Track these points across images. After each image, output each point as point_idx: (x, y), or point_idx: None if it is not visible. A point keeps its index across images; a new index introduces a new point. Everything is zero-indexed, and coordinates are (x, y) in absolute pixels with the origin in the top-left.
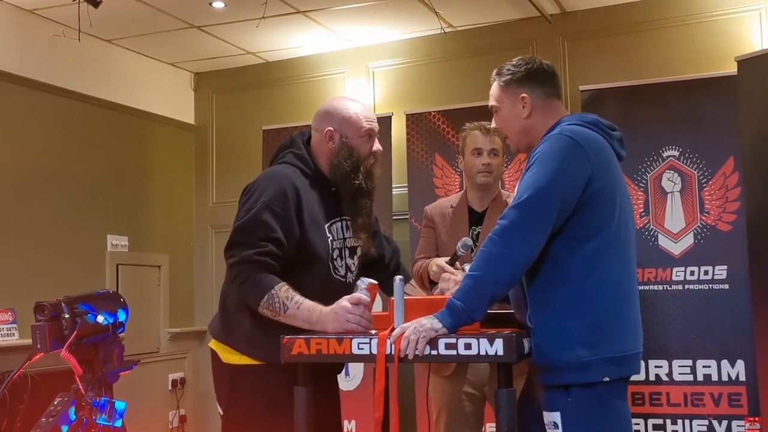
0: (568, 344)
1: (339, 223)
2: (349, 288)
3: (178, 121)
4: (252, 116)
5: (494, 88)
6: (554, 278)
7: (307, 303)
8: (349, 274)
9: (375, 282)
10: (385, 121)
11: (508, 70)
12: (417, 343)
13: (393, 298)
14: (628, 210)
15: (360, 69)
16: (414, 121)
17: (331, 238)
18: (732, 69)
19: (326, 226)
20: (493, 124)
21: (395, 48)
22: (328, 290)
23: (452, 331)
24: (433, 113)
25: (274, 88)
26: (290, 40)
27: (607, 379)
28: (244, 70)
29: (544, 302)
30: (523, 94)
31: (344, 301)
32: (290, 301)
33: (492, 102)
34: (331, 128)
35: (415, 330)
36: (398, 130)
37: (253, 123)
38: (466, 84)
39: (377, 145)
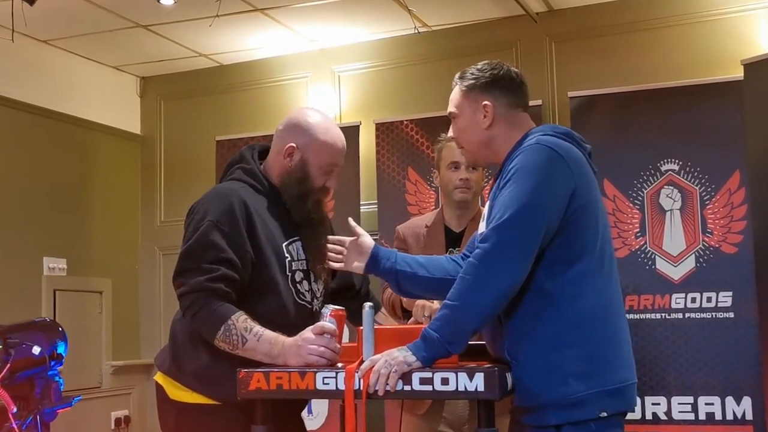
0: (560, 379)
1: (299, 243)
2: (317, 316)
3: (122, 131)
4: (204, 125)
5: (455, 93)
6: (538, 306)
7: (268, 334)
8: (315, 300)
9: (341, 308)
10: (352, 131)
11: (472, 74)
12: (388, 377)
13: (362, 328)
14: (608, 229)
15: (324, 73)
16: (384, 131)
17: (290, 258)
18: (737, 73)
19: (284, 245)
20: (450, 134)
21: (363, 50)
22: (292, 318)
23: (427, 365)
24: (405, 122)
25: (229, 94)
26: (247, 41)
27: (605, 414)
28: (195, 74)
29: (528, 334)
30: (486, 102)
31: (307, 332)
32: (249, 333)
33: (451, 108)
34: (293, 145)
35: (386, 363)
36: (367, 142)
37: (205, 133)
38: (442, 90)
39: (333, 182)
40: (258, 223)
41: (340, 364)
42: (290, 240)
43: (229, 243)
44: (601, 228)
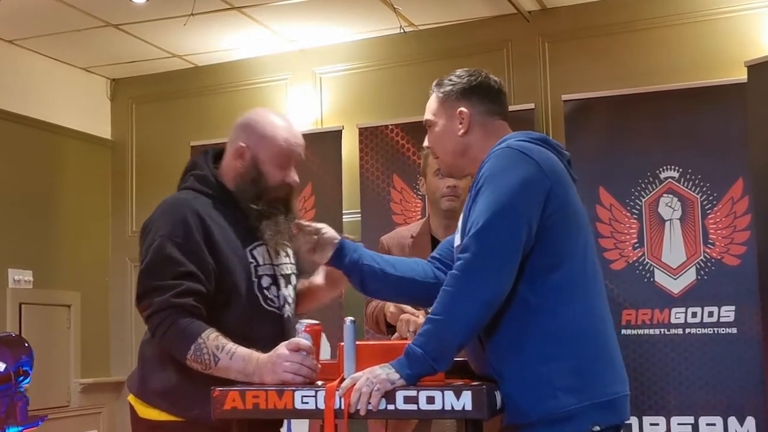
0: (549, 393)
1: (264, 247)
2: (289, 323)
3: (92, 136)
4: (178, 130)
5: (431, 101)
6: (521, 319)
7: (241, 351)
8: (287, 306)
9: (317, 323)
10: (334, 136)
11: (449, 81)
12: (370, 396)
13: (343, 344)
14: (591, 237)
15: (305, 75)
16: (368, 135)
17: (255, 263)
18: (741, 75)
19: (248, 250)
20: (425, 143)
21: (346, 50)
22: (260, 326)
23: (412, 383)
24: (390, 127)
25: (204, 97)
26: (223, 41)
27: (598, 428)
28: (168, 76)
29: (513, 349)
30: (462, 109)
31: (282, 348)
32: (221, 351)
33: (427, 116)
34: (243, 144)
35: (368, 381)
36: (350, 147)
37: (179, 138)
38: (429, 93)
39: (293, 176)
40: (215, 230)
41: (319, 382)
42: (255, 244)
43: (188, 256)
44: (583, 235)
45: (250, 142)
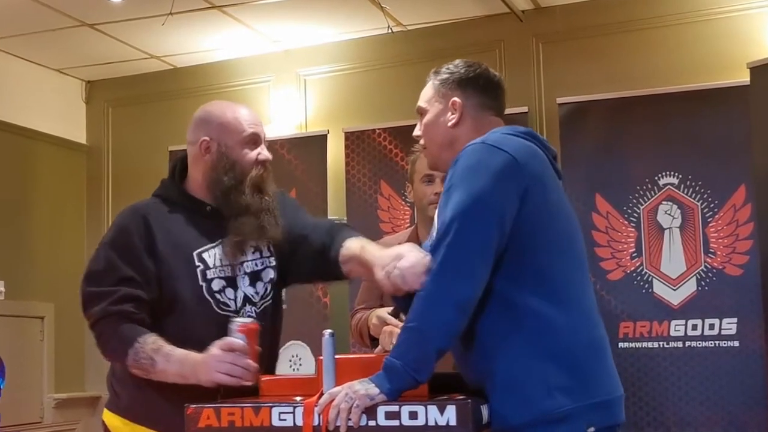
0: (542, 393)
1: (218, 249)
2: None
3: (66, 140)
4: (156, 134)
5: (426, 88)
6: (507, 318)
7: (178, 353)
8: (248, 306)
9: (251, 321)
10: (319, 141)
11: (447, 69)
12: (349, 412)
13: (322, 357)
14: (579, 235)
15: (289, 76)
16: (354, 140)
17: (202, 267)
18: (743, 77)
19: (195, 254)
20: (416, 131)
21: (332, 51)
22: (212, 331)
23: (393, 398)
24: (377, 131)
25: (184, 99)
26: (203, 41)
27: (593, 429)
28: (146, 78)
29: (501, 350)
30: (455, 99)
31: (214, 348)
32: (158, 354)
33: (420, 103)
34: (206, 138)
35: (347, 397)
36: (335, 152)
37: (157, 142)
38: (418, 95)
39: (264, 153)
40: (159, 235)
41: (298, 398)
42: (206, 247)
43: (125, 260)
44: (568, 232)
45: (212, 134)
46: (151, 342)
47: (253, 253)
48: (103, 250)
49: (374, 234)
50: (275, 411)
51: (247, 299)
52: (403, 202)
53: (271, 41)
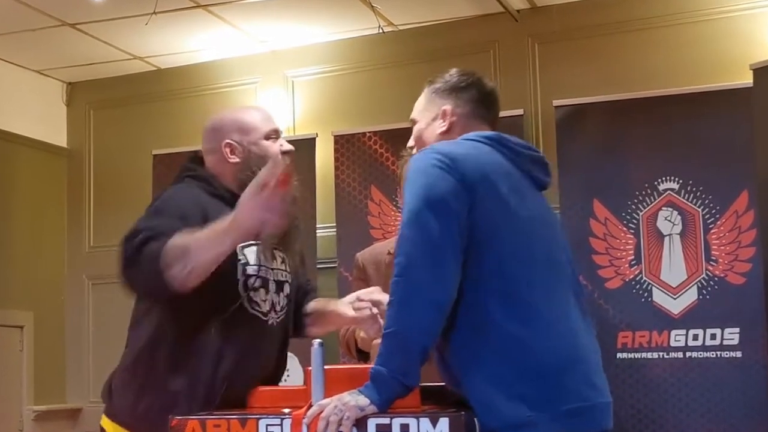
0: (503, 401)
1: (257, 248)
2: (273, 331)
3: (47, 144)
4: (139, 138)
5: (420, 98)
6: (474, 334)
7: (207, 228)
8: (272, 314)
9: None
10: (307, 144)
11: (441, 78)
12: (339, 425)
13: (311, 368)
14: (554, 244)
15: (276, 78)
16: (344, 144)
17: (244, 260)
18: (746, 79)
19: (239, 246)
20: (410, 142)
21: (321, 52)
22: (239, 328)
23: (383, 409)
24: (368, 134)
25: (168, 102)
26: (188, 42)
27: None
28: (129, 80)
29: (469, 358)
30: (446, 107)
31: (244, 194)
32: (190, 238)
33: (413, 114)
34: (230, 141)
35: (336, 409)
36: (324, 156)
37: (140, 146)
38: (409, 98)
39: (286, 145)
40: (213, 217)
41: (286, 410)
42: (248, 243)
43: (182, 225)
44: (539, 236)
45: (235, 136)
46: (179, 235)
47: (281, 263)
48: (161, 206)
49: (364, 241)
50: (262, 423)
51: (273, 305)
52: (395, 208)
53: (258, 41)
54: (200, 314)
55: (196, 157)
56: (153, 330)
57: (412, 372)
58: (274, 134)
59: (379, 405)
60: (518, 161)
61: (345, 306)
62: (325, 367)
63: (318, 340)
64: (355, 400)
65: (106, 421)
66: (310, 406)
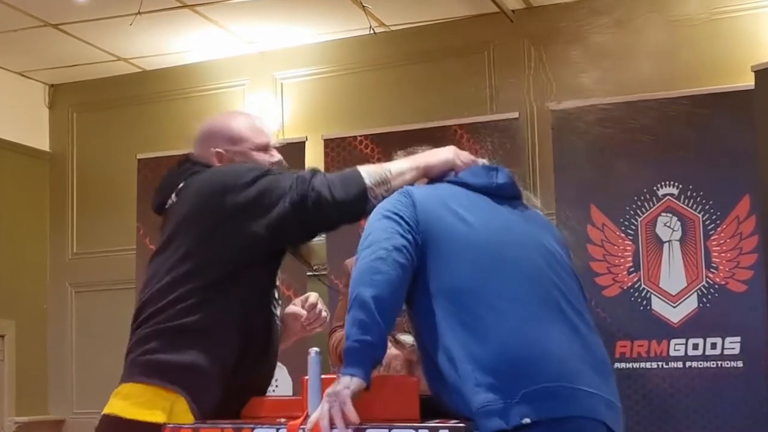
0: (468, 391)
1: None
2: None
3: (28, 147)
4: (124, 141)
5: None
6: (429, 325)
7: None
8: (276, 309)
9: None
10: (296, 148)
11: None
12: (341, 412)
13: (307, 377)
14: (523, 257)
15: (265, 80)
16: (334, 147)
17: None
18: (747, 81)
19: None
20: None
21: (310, 53)
22: (264, 316)
23: (366, 377)
24: (359, 138)
25: (153, 104)
26: (174, 43)
27: (528, 420)
28: (113, 82)
29: (433, 357)
30: None
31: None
32: (381, 167)
33: None
34: (218, 150)
35: (329, 401)
36: (314, 160)
37: (125, 150)
38: (401, 100)
39: (277, 155)
40: None
41: (282, 419)
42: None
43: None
44: (504, 242)
45: (227, 144)
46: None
47: None
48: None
49: (355, 247)
50: None
51: (277, 302)
52: None
53: (245, 42)
54: (264, 302)
55: (188, 160)
56: (229, 304)
57: (375, 329)
58: (263, 148)
59: (361, 375)
60: (487, 189)
61: (295, 306)
62: (323, 376)
63: (315, 349)
64: (338, 385)
65: (134, 388)
66: (308, 416)
